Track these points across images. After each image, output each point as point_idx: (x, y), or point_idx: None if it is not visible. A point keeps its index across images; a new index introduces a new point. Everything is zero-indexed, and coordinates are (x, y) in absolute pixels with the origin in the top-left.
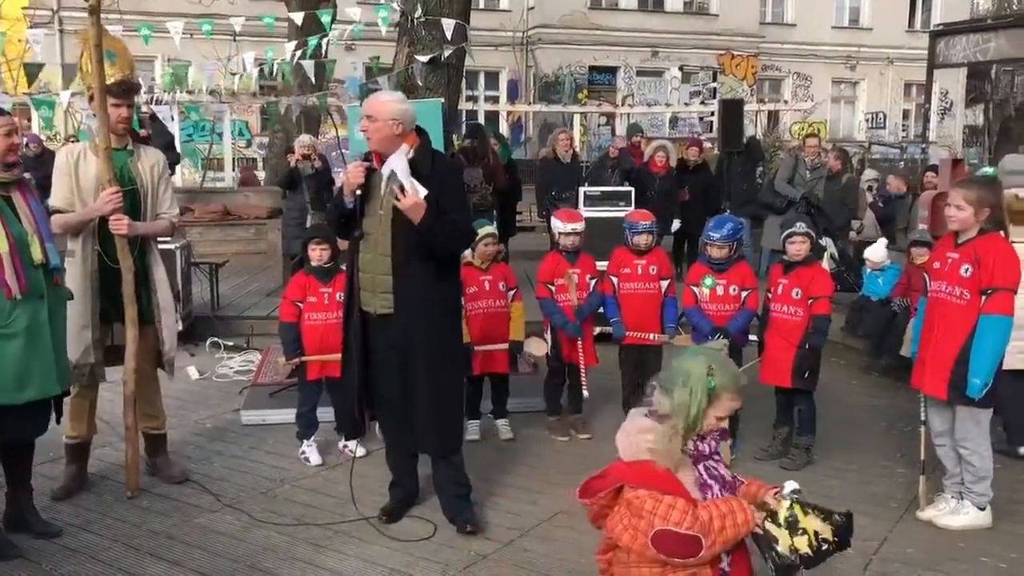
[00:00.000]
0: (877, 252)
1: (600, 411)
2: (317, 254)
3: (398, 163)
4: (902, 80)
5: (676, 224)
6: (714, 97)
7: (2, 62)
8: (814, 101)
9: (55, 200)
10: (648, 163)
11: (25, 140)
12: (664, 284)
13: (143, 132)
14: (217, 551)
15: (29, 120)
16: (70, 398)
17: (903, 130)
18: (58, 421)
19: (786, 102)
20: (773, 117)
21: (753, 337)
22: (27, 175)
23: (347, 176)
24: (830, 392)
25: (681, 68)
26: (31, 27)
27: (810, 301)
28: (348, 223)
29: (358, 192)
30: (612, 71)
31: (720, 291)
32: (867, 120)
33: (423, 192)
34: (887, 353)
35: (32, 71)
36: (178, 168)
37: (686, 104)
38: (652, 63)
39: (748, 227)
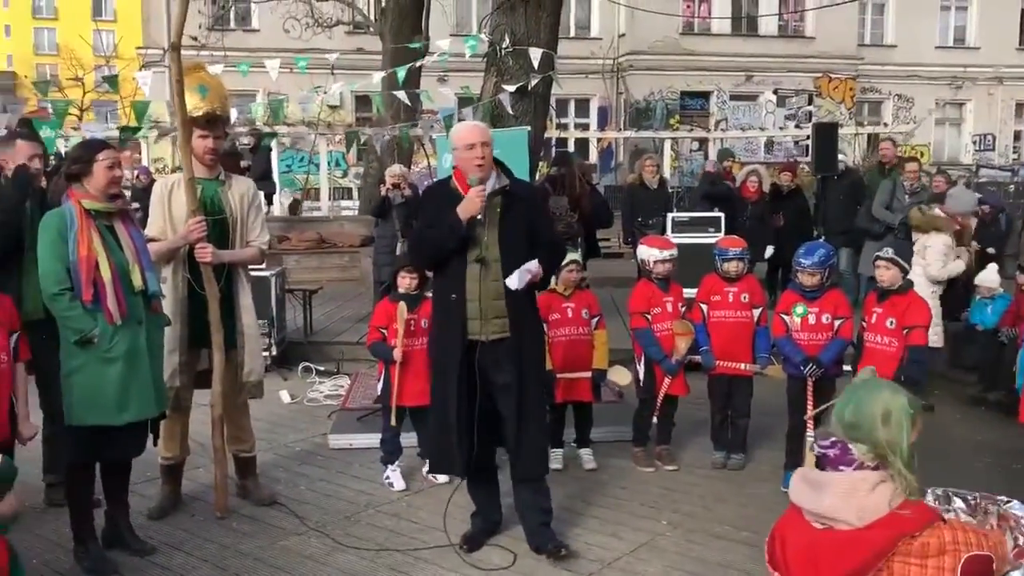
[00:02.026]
0: (990, 277)
1: (687, 442)
2: (407, 282)
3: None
4: (1013, 100)
5: (769, 251)
6: (810, 120)
7: (117, 99)
8: (916, 123)
9: (150, 229)
10: (740, 188)
11: (136, 172)
12: (756, 312)
13: (243, 163)
14: (300, 574)
15: (140, 153)
16: (165, 420)
17: (1014, 152)
18: (155, 443)
19: (886, 124)
20: (873, 140)
21: (847, 368)
22: (135, 205)
23: (465, 203)
24: (930, 425)
25: (775, 92)
26: (143, 66)
27: (905, 331)
28: (459, 250)
29: (479, 218)
30: (705, 96)
31: (812, 320)
32: (974, 142)
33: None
34: (998, 386)
35: (140, 108)
36: (275, 197)
37: (780, 128)
38: (746, 87)
39: (848, 254)
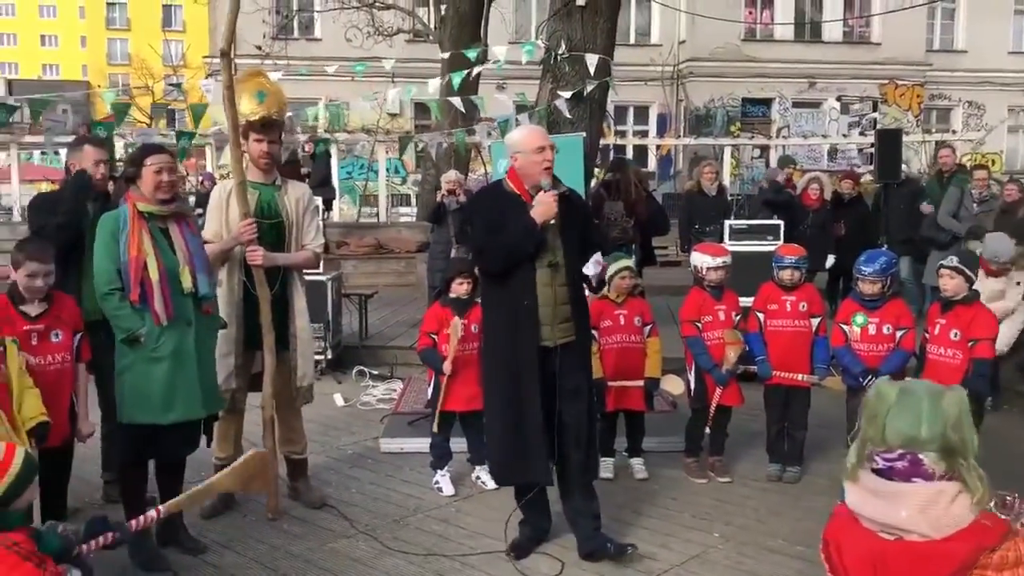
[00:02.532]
0: None
1: (741, 454)
2: (464, 288)
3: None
4: None
5: (830, 260)
6: (875, 128)
7: (185, 107)
8: (987, 130)
9: (206, 232)
10: (801, 196)
11: (200, 178)
12: (815, 322)
13: (303, 170)
14: None
15: (204, 159)
16: (219, 421)
17: None
18: (208, 444)
19: (954, 132)
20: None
21: (909, 380)
22: (199, 210)
23: (542, 207)
24: (995, 441)
25: (839, 99)
26: (208, 75)
27: (970, 343)
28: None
29: (552, 222)
30: (766, 103)
31: (872, 330)
32: None
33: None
34: None
35: (199, 111)
36: (335, 203)
37: (844, 135)
38: (809, 94)
39: (910, 263)
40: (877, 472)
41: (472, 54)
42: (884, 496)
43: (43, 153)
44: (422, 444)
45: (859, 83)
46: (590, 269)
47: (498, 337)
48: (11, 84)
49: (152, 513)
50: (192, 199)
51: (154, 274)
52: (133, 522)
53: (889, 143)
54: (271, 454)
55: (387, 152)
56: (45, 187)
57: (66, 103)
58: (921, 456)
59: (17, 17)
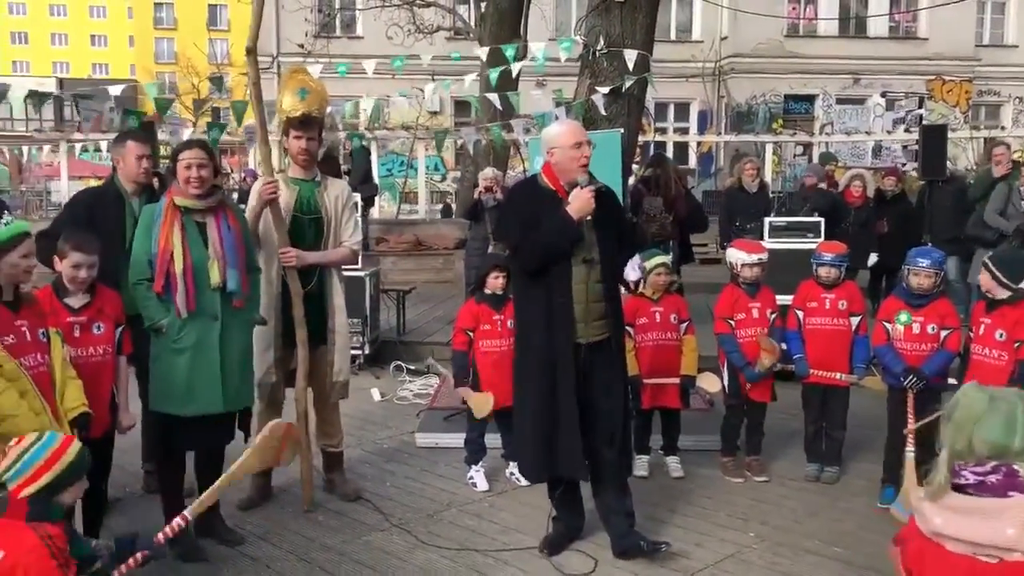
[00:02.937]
0: None
1: (779, 453)
2: (500, 282)
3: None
4: None
5: (873, 258)
6: (920, 124)
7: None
8: None
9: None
10: (843, 193)
11: (243, 174)
12: (855, 320)
13: (344, 167)
14: (382, 570)
15: (246, 156)
16: (256, 414)
17: None
18: (245, 439)
19: (1003, 128)
20: (988, 145)
21: (953, 381)
22: (241, 206)
23: (579, 203)
24: None
25: (884, 95)
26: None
27: (1016, 344)
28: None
29: (588, 218)
30: (809, 99)
31: (916, 329)
32: None
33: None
34: None
35: (240, 108)
36: (376, 200)
37: (888, 132)
38: (853, 90)
39: (956, 263)
40: (960, 488)
41: (510, 51)
42: (979, 514)
43: (84, 149)
44: (457, 439)
45: (905, 79)
46: (631, 274)
47: (532, 334)
48: (62, 82)
49: (179, 521)
50: (235, 195)
51: (178, 266)
52: (161, 535)
53: (934, 139)
54: (305, 447)
55: (426, 149)
56: (93, 183)
57: (112, 102)
58: (1016, 467)
59: (68, 18)
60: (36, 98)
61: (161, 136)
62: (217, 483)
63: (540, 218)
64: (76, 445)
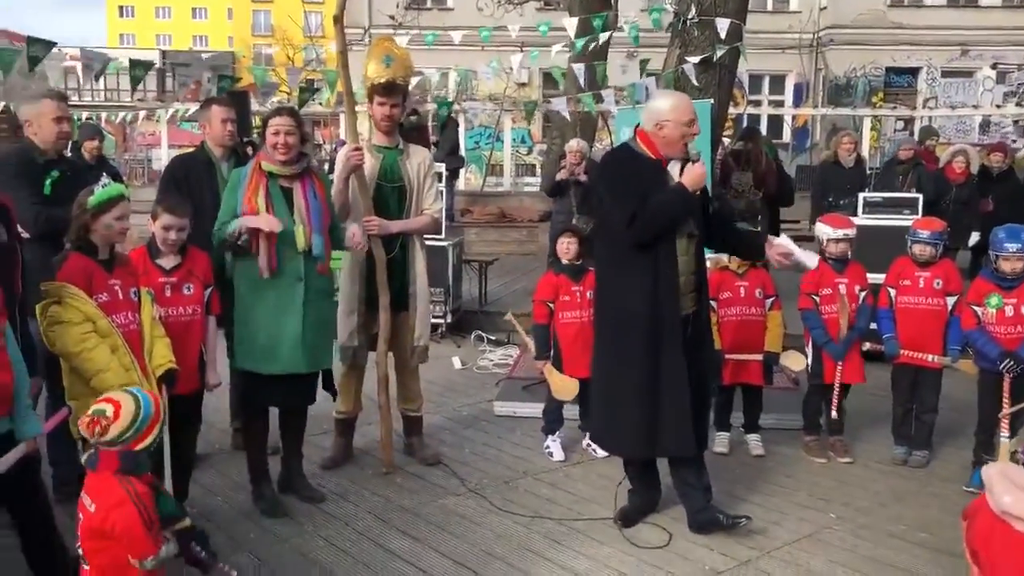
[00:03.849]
0: None
1: (864, 435)
2: (564, 247)
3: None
4: None
5: (975, 237)
6: None
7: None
8: None
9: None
10: (944, 169)
11: (334, 145)
12: (951, 301)
13: (433, 138)
14: (456, 533)
15: (338, 127)
16: (340, 376)
17: None
18: (334, 398)
19: None
20: None
21: None
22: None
23: (693, 176)
24: None
25: (995, 67)
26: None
27: None
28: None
29: (698, 193)
30: (913, 72)
31: (1010, 311)
32: None
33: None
34: None
35: (332, 78)
36: (462, 172)
37: (997, 106)
38: (960, 63)
39: None
40: None
41: (599, 20)
42: None
43: (182, 119)
44: (535, 409)
45: (1018, 50)
46: (813, 260)
47: (631, 309)
48: (164, 54)
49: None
50: (326, 166)
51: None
52: (222, 565)
53: None
54: (385, 410)
55: (513, 121)
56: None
57: (209, 70)
58: None
59: None
60: (140, 68)
61: (256, 108)
62: None
63: (646, 188)
64: (128, 403)
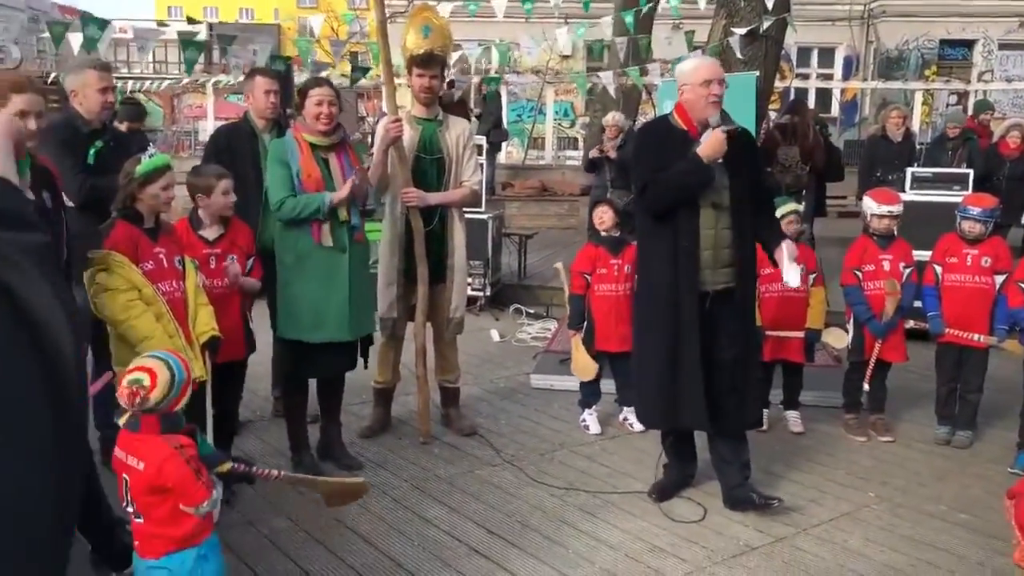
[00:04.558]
0: None
1: (906, 414)
2: (599, 218)
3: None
4: None
5: None
6: None
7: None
8: None
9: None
10: (998, 144)
11: (377, 118)
12: (999, 279)
13: (476, 111)
14: (491, 503)
15: (380, 100)
16: (379, 347)
17: None
18: (365, 366)
19: None
20: None
21: None
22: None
23: (709, 144)
24: None
25: None
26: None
27: None
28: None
29: (719, 161)
30: (968, 44)
31: None
32: None
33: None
34: None
35: (376, 50)
36: (504, 145)
37: None
38: (1018, 34)
39: None
40: None
41: None
42: None
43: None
44: (572, 382)
45: None
46: (795, 278)
47: (655, 279)
48: (211, 27)
49: (274, 473)
50: (369, 139)
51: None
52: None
53: None
54: (423, 381)
55: (555, 95)
56: None
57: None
58: None
59: None
60: (193, 49)
61: (299, 79)
62: (303, 477)
63: (670, 158)
64: (163, 371)
